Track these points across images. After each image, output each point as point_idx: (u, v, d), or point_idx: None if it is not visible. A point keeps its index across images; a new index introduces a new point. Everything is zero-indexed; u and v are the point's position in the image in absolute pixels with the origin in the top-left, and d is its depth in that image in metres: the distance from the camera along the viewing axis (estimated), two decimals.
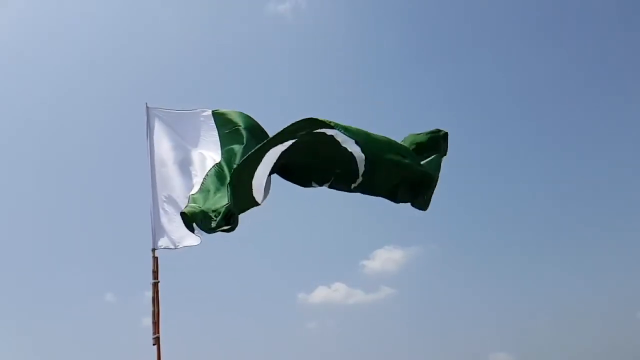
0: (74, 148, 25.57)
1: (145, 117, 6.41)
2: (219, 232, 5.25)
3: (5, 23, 25.67)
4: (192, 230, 5.54)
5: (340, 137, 5.87)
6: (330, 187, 6.24)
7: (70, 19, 26.64)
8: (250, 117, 6.49)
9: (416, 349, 19.95)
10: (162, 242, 5.80)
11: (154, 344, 5.44)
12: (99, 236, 23.64)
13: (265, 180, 5.73)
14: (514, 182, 26.42)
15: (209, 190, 5.84)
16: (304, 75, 27.82)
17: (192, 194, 5.82)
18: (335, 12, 27.84)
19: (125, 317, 19.96)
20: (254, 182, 5.63)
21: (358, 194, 6.30)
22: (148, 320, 5.58)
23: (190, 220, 5.40)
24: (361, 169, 6.01)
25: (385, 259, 24.20)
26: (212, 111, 6.59)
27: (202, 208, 5.48)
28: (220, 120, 6.52)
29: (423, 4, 28.72)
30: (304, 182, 6.22)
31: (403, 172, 6.09)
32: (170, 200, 5.94)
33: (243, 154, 5.95)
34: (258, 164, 5.62)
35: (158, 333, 5.47)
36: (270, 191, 5.87)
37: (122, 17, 27.47)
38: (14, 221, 23.32)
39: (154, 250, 5.74)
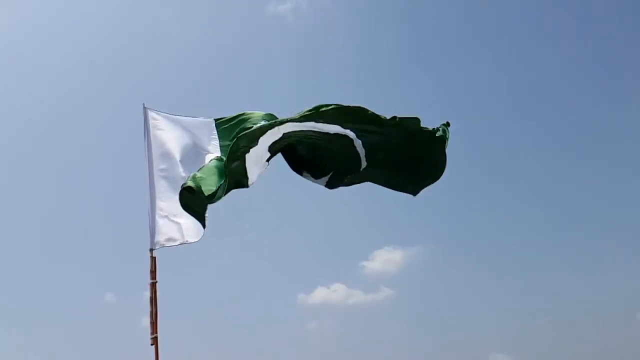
0: (73, 148, 25.66)
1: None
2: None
3: (5, 23, 25.73)
4: (192, 208, 5.49)
5: (352, 135, 5.90)
6: (327, 184, 6.25)
7: (70, 19, 26.73)
8: (267, 115, 6.35)
9: (416, 350, 19.97)
10: (162, 241, 5.77)
11: (152, 344, 5.44)
12: (98, 236, 23.71)
13: (261, 162, 5.75)
14: (514, 182, 26.45)
15: (209, 170, 5.82)
16: (304, 75, 27.84)
17: (194, 173, 5.78)
18: (336, 12, 27.90)
19: (125, 317, 20.01)
20: (248, 164, 5.65)
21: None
22: (147, 320, 5.56)
23: (192, 193, 5.38)
24: (363, 164, 6.05)
25: (385, 259, 24.21)
26: (215, 120, 6.51)
27: (202, 184, 5.49)
28: (225, 128, 6.40)
29: (423, 4, 28.78)
30: (297, 168, 6.23)
31: (405, 169, 6.11)
32: (169, 197, 5.92)
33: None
34: (256, 142, 5.64)
35: (156, 333, 5.46)
36: (262, 174, 5.86)
37: (122, 17, 27.55)
38: (14, 221, 23.38)
39: (151, 250, 5.73)
